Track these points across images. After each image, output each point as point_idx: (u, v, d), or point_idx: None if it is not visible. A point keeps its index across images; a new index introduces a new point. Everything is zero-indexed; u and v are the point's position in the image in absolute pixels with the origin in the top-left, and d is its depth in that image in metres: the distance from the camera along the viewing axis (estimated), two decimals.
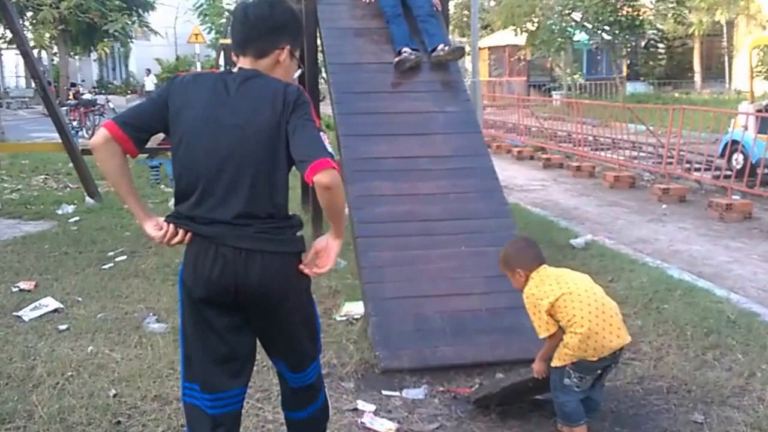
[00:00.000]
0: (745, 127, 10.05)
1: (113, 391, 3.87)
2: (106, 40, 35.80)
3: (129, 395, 3.83)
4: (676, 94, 26.20)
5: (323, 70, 6.56)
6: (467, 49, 11.42)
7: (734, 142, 10.26)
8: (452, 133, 5.43)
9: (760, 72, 22.34)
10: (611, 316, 3.13)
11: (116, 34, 32.25)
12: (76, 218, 8.53)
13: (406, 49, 5.65)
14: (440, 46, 5.70)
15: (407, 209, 4.90)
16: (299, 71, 2.75)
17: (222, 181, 2.41)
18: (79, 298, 5.48)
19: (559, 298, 3.14)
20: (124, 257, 6.64)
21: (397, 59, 5.65)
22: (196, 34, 28.90)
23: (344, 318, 4.85)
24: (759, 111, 10.22)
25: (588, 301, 3.12)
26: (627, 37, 25.24)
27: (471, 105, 5.98)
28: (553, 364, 3.22)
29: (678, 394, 3.83)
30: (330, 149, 2.37)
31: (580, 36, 26.84)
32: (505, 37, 31.60)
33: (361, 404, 3.76)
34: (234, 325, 2.53)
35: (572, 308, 3.11)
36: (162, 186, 10.84)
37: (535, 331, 3.24)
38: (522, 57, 32.77)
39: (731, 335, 4.51)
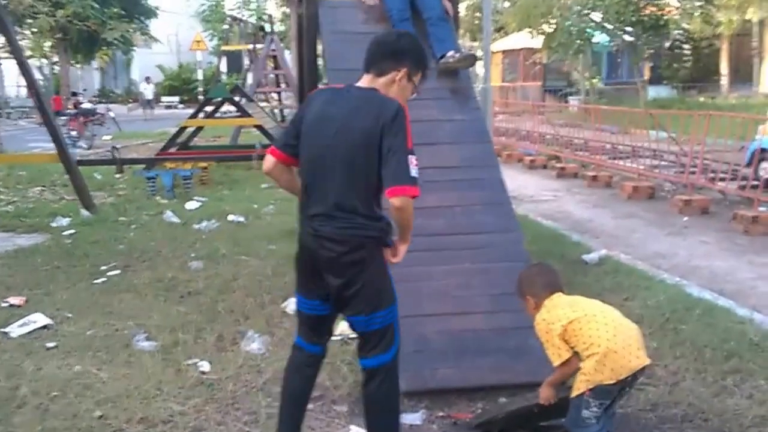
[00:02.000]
0: None
1: (98, 413, 3.86)
2: (105, 48, 36.26)
3: (114, 417, 3.83)
4: (702, 99, 25.96)
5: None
6: (479, 54, 11.32)
7: (762, 151, 10.10)
8: (460, 143, 5.35)
9: None
10: (630, 336, 3.09)
11: (116, 42, 32.61)
12: (71, 231, 8.58)
13: None
14: (450, 53, 5.63)
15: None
16: (415, 95, 3.22)
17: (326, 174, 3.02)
18: (69, 314, 5.49)
19: (573, 321, 3.10)
20: (117, 271, 6.67)
21: None
22: (198, 41, 29.28)
23: (339, 337, 4.74)
24: None
25: (605, 321, 3.09)
26: (650, 38, 25.00)
27: (480, 113, 5.88)
28: (573, 395, 3.14)
29: (693, 422, 3.75)
30: (414, 172, 2.93)
31: (600, 38, 26.65)
32: (520, 39, 31.48)
33: (354, 430, 3.71)
34: None
35: (588, 329, 3.07)
36: (158, 198, 10.94)
37: (549, 359, 3.19)
38: (537, 61, 32.59)
39: (753, 359, 4.40)
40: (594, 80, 29.32)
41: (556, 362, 3.13)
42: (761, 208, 8.96)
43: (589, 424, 3.10)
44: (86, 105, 22.87)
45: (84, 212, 9.52)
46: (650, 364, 4.25)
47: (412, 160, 2.94)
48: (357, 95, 3.09)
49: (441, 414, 3.90)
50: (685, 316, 5.20)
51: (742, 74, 28.97)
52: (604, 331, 3.04)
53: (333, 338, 4.68)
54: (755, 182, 9.58)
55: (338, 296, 3.10)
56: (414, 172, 2.93)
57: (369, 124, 2.96)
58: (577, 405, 3.11)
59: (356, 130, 2.98)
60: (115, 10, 31.58)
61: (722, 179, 10.22)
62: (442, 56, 5.64)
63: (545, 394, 3.25)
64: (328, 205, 3.02)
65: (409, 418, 3.82)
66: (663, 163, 12.59)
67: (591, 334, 3.05)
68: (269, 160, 3.16)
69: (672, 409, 3.88)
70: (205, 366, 4.48)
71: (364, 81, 3.14)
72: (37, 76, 38.02)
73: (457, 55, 5.65)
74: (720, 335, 4.79)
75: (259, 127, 14.27)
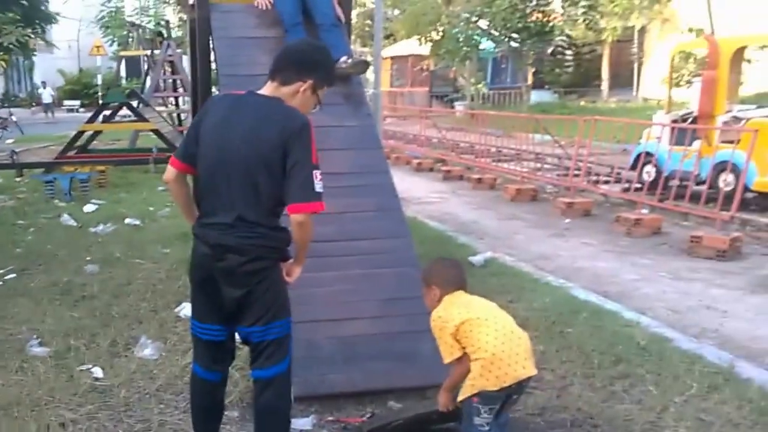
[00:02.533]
0: (659, 138, 10.14)
1: None
2: (1, 53, 35.43)
3: (6, 425, 3.75)
4: (582, 103, 26.90)
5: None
6: (369, 59, 11.31)
7: (647, 154, 10.33)
8: (352, 149, 5.31)
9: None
10: (519, 345, 3.08)
11: (12, 46, 31.89)
12: None
13: None
14: (343, 59, 5.55)
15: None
16: (317, 108, 3.15)
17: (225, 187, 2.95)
18: None
19: (465, 322, 3.08)
20: (14, 275, 6.58)
21: None
22: (98, 47, 30.44)
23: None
24: (675, 121, 10.32)
25: (495, 326, 3.08)
26: (535, 44, 25.68)
27: (372, 119, 5.81)
28: (458, 399, 3.14)
29: (583, 428, 3.72)
30: (318, 188, 2.90)
31: (487, 44, 27.24)
32: (409, 46, 31.90)
33: None
34: None
35: (477, 333, 3.06)
36: (56, 201, 10.89)
37: (441, 357, 3.15)
38: (425, 67, 33.05)
39: (642, 364, 4.43)
40: (479, 85, 29.89)
41: (447, 359, 3.12)
42: (643, 211, 9.21)
43: (482, 427, 3.08)
44: None
45: None
46: (536, 374, 4.33)
47: (317, 174, 2.91)
48: (261, 104, 3.01)
49: (330, 418, 3.85)
50: (572, 319, 5.23)
51: (622, 79, 30.18)
52: (492, 337, 3.03)
53: None
54: (638, 185, 9.83)
55: (236, 308, 3.02)
56: (318, 187, 2.91)
57: (273, 135, 2.89)
58: (468, 412, 3.10)
59: (259, 141, 2.90)
60: (10, 14, 30.87)
61: (605, 182, 10.49)
62: (335, 61, 5.52)
63: (443, 400, 3.23)
64: (228, 214, 2.94)
65: (299, 424, 3.75)
66: (546, 166, 12.90)
67: (480, 338, 3.04)
68: (170, 171, 3.09)
69: (561, 413, 3.86)
70: (98, 372, 4.43)
71: (268, 89, 3.06)
72: None
73: (350, 60, 5.59)
74: (608, 339, 4.83)
75: (156, 132, 14.96)
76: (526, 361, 3.06)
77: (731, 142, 8.93)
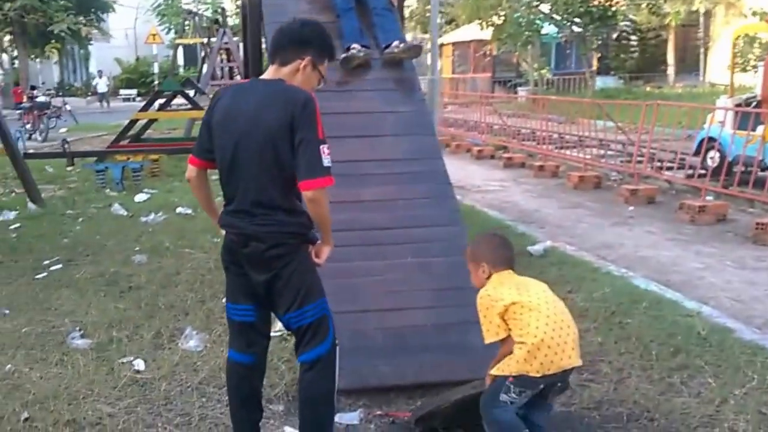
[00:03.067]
0: (723, 123, 9.83)
1: (25, 415, 3.74)
2: (54, 41, 36.35)
3: (41, 419, 3.70)
4: (648, 89, 26.30)
5: None
6: (427, 46, 11.20)
7: (710, 139, 10.04)
8: (403, 135, 5.24)
9: (737, 63, 22.45)
10: (568, 334, 2.99)
11: (64, 34, 32.68)
12: (17, 225, 8.55)
13: (355, 45, 5.45)
14: (395, 43, 5.53)
15: (349, 217, 4.65)
16: (322, 84, 3.15)
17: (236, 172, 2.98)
18: (6, 311, 5.40)
19: (515, 304, 2.99)
20: (60, 266, 6.58)
21: (343, 56, 5.43)
22: (154, 35, 30.34)
23: (278, 334, 4.57)
24: (738, 105, 9.99)
25: (547, 312, 2.99)
26: (598, 29, 25.19)
27: (425, 105, 5.75)
28: (492, 372, 3.07)
29: (639, 422, 3.61)
30: (326, 162, 2.90)
31: (549, 29, 26.81)
32: (470, 32, 31.57)
33: (288, 430, 3.60)
34: None
35: (528, 317, 2.97)
36: (107, 190, 10.94)
37: (482, 336, 3.07)
38: (487, 52, 32.68)
39: (701, 355, 4.29)
40: (543, 71, 29.44)
41: (488, 339, 3.04)
42: (708, 198, 8.94)
43: (503, 407, 3.02)
44: (41, 98, 22.78)
45: (31, 206, 9.48)
46: (592, 360, 4.25)
47: (324, 149, 2.92)
48: (263, 88, 3.04)
49: (379, 413, 3.77)
50: (631, 309, 5.08)
51: (688, 64, 29.46)
52: (543, 323, 2.95)
53: (272, 334, 4.58)
54: (702, 171, 9.55)
55: (266, 294, 3.05)
56: (326, 162, 2.91)
57: (278, 116, 2.90)
58: (495, 387, 3.04)
59: (266, 124, 2.91)
60: (62, 2, 31.61)
61: (669, 168, 10.21)
62: (387, 46, 5.56)
63: (489, 382, 3.12)
64: (246, 202, 2.97)
65: (346, 418, 3.71)
66: (609, 152, 12.57)
67: (529, 323, 2.96)
68: (190, 169, 3.16)
69: (617, 407, 3.76)
70: (139, 364, 4.38)
71: (270, 72, 3.10)
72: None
73: (402, 45, 5.53)
74: (667, 329, 4.68)
75: None
76: (573, 351, 2.99)
77: None
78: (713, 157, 9.77)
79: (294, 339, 3.15)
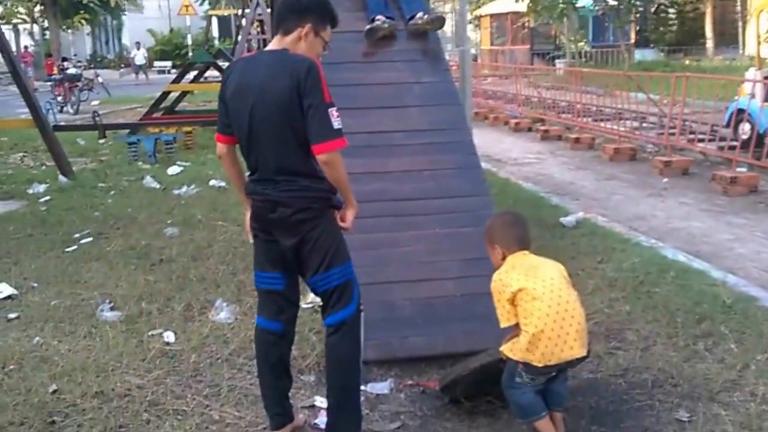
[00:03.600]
0: (752, 95, 9.71)
1: (53, 387, 3.74)
2: (83, 12, 35.98)
3: (69, 392, 3.70)
4: (687, 62, 25.78)
5: None
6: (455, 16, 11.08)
7: (740, 111, 9.91)
8: (429, 106, 5.19)
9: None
10: (570, 325, 2.96)
11: (93, 5, 32.20)
12: (47, 198, 8.52)
13: (379, 17, 5.42)
14: (419, 15, 5.48)
15: (378, 188, 4.68)
16: (326, 51, 3.18)
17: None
18: (35, 284, 5.37)
19: (522, 290, 3.00)
20: (90, 239, 6.57)
21: (368, 27, 5.42)
22: (187, 6, 29.63)
23: (310, 305, 4.64)
24: (766, 78, 9.85)
25: (549, 302, 2.96)
26: (634, 2, 24.67)
27: (450, 75, 5.69)
28: (502, 350, 3.11)
29: (663, 388, 3.62)
30: (336, 125, 2.94)
31: (585, 1, 26.36)
32: (507, 4, 31.13)
33: (319, 401, 3.58)
34: None
35: (531, 306, 2.97)
36: (140, 163, 10.80)
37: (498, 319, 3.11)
38: (525, 24, 32.25)
39: (726, 322, 4.28)
40: (581, 43, 28.98)
41: (503, 324, 3.07)
42: (740, 169, 8.82)
43: (520, 388, 3.06)
44: (72, 70, 22.50)
45: (62, 178, 9.41)
46: (619, 329, 4.26)
47: (333, 112, 2.95)
48: (269, 59, 3.07)
49: (409, 382, 3.78)
50: (659, 278, 5.07)
51: (727, 37, 28.82)
52: (544, 314, 2.93)
53: (304, 306, 4.64)
54: (734, 143, 9.42)
55: (295, 258, 3.09)
56: (336, 124, 2.95)
57: (284, 84, 2.93)
58: (511, 370, 3.07)
59: (275, 93, 2.95)
60: None
61: (702, 140, 10.07)
62: (411, 18, 5.51)
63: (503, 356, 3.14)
64: (269, 170, 3.03)
65: (377, 388, 3.73)
66: (646, 125, 12.40)
67: (532, 312, 2.96)
68: (218, 146, 3.19)
69: (642, 374, 3.77)
70: (169, 336, 4.36)
71: (274, 42, 3.12)
72: (29, 41, 37.90)
73: (426, 17, 5.48)
74: (693, 298, 4.67)
75: None
76: (575, 341, 2.96)
77: None
78: (744, 129, 9.59)
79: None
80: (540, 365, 2.94)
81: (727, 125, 10.08)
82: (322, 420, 3.38)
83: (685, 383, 3.63)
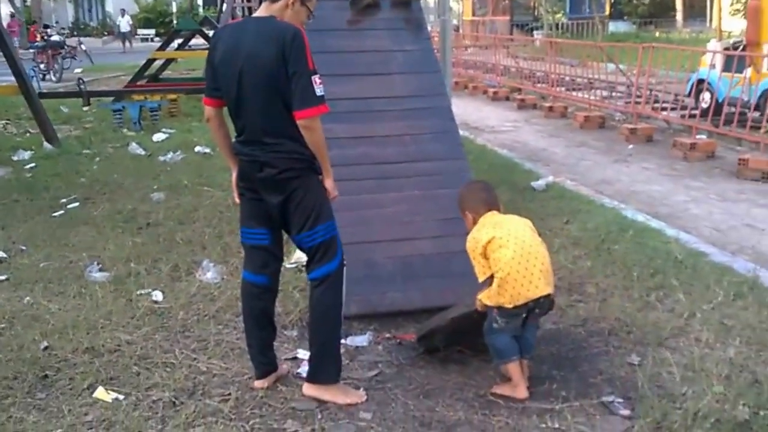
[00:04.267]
0: (713, 66, 9.92)
1: (45, 344, 3.78)
2: None
3: (60, 348, 3.75)
4: (657, 34, 25.85)
5: None
6: None
7: (701, 81, 10.14)
8: (411, 73, 5.27)
9: (738, 11, 22.01)
10: (534, 266, 3.14)
11: None
12: (32, 164, 8.38)
13: None
14: None
15: (361, 152, 4.78)
16: (311, 18, 3.22)
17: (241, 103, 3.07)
18: (24, 247, 5.37)
19: (491, 241, 3.17)
20: (77, 204, 6.52)
21: None
22: None
23: (294, 265, 4.75)
24: (726, 49, 10.07)
25: (515, 248, 3.14)
26: None
27: (430, 43, 5.77)
28: (478, 297, 3.26)
29: (618, 336, 3.82)
30: (319, 92, 2.98)
31: None
32: None
33: (301, 353, 3.68)
34: None
35: (498, 252, 3.14)
36: (125, 130, 10.64)
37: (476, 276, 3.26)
38: None
39: (676, 276, 4.48)
40: (558, 15, 28.96)
41: (481, 278, 3.22)
42: (699, 136, 9.03)
43: (498, 333, 3.24)
44: (55, 38, 21.91)
45: (47, 145, 9.27)
46: (580, 282, 4.42)
47: (316, 80, 2.99)
48: (255, 25, 3.11)
49: (387, 335, 3.90)
50: (619, 237, 5.26)
51: (696, 10, 28.91)
52: (509, 257, 3.11)
53: (288, 266, 4.77)
54: (695, 112, 9.62)
55: (280, 216, 3.16)
56: (319, 91, 2.99)
57: (270, 50, 2.97)
58: (490, 317, 3.25)
59: (261, 59, 2.99)
60: None
61: (665, 109, 10.29)
62: None
63: (479, 305, 3.29)
64: (255, 132, 3.09)
65: (357, 341, 3.84)
66: (615, 94, 12.57)
67: (500, 258, 3.13)
68: (206, 110, 3.22)
69: (600, 323, 3.95)
70: (157, 296, 4.40)
71: (262, 9, 3.15)
72: (9, 8, 36.78)
73: None
74: (648, 254, 4.87)
75: None
76: (539, 281, 3.13)
77: None
78: (705, 99, 9.81)
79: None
80: (510, 306, 3.13)
81: (689, 94, 10.28)
82: (304, 370, 3.46)
83: (638, 331, 3.83)
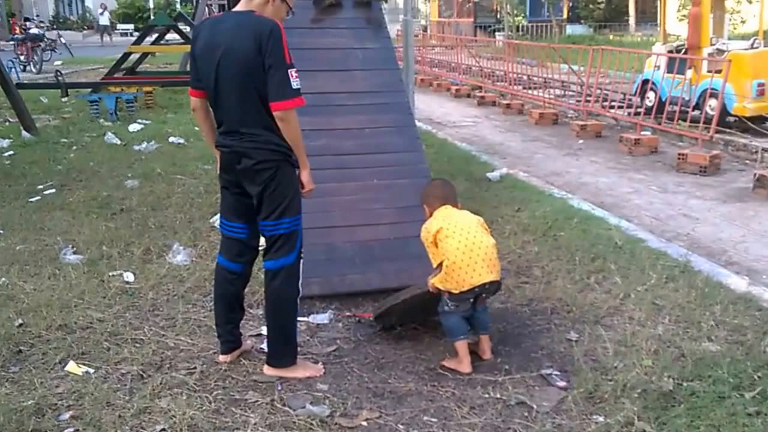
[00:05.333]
0: (657, 67, 10.10)
1: (19, 321, 3.78)
2: None
3: (35, 325, 3.75)
4: (611, 36, 26.14)
5: None
6: None
7: (646, 82, 10.33)
8: (371, 70, 5.32)
9: (685, 17, 22.31)
10: (478, 255, 3.24)
11: None
12: (11, 152, 8.28)
13: None
14: None
15: (323, 143, 4.81)
16: (290, 14, 3.21)
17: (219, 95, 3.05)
18: (1, 231, 5.34)
19: (439, 231, 3.29)
20: (53, 190, 6.48)
21: None
22: None
23: (262, 247, 4.77)
24: (670, 52, 10.27)
25: (460, 238, 3.25)
26: None
27: (390, 42, 5.83)
28: (430, 280, 3.37)
29: (560, 314, 3.92)
30: (295, 85, 2.96)
31: None
32: None
33: (265, 330, 3.66)
34: None
35: (445, 242, 3.27)
36: (101, 120, 10.55)
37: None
38: None
39: (615, 260, 4.59)
40: (519, 18, 29.14)
41: (434, 264, 3.34)
42: (644, 132, 9.21)
43: (449, 314, 3.36)
44: (34, 30, 21.61)
45: (25, 134, 9.18)
46: (528, 266, 4.50)
47: (292, 73, 2.97)
48: (234, 20, 3.07)
49: (347, 314, 3.97)
50: (565, 224, 5.37)
51: (648, 15, 29.26)
52: (455, 247, 3.23)
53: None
54: (640, 109, 9.83)
55: (257, 205, 3.13)
56: (295, 84, 2.97)
57: (248, 44, 2.94)
58: (442, 300, 3.37)
59: (238, 52, 2.96)
60: None
61: (613, 107, 10.49)
62: None
63: (431, 287, 3.37)
64: (233, 123, 3.07)
65: (318, 318, 3.90)
66: (568, 93, 12.75)
67: (447, 248, 3.25)
68: (192, 101, 3.21)
69: (544, 303, 4.06)
70: (129, 276, 4.41)
71: (241, 4, 3.12)
72: None
73: None
74: (591, 240, 4.98)
75: None
76: (482, 269, 3.23)
77: (720, 71, 8.80)
78: (650, 97, 9.99)
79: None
80: (456, 292, 3.25)
81: (635, 94, 10.46)
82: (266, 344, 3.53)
83: (577, 310, 3.94)
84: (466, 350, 3.36)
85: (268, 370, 3.31)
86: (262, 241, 3.22)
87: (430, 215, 3.44)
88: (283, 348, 3.29)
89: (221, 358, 3.41)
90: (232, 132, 3.08)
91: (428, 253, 3.36)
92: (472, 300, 3.31)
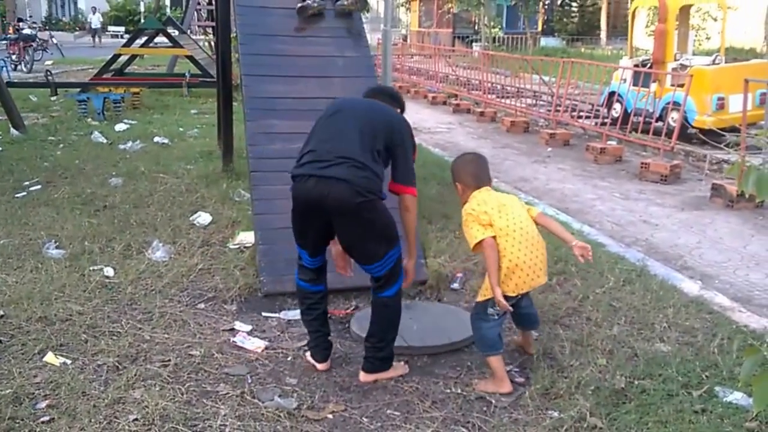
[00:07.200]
0: (623, 80, 10.23)
1: (0, 312, 3.75)
2: None
3: (15, 316, 3.73)
4: (583, 49, 26.39)
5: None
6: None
7: (612, 93, 10.43)
8: (350, 77, 5.33)
9: (653, 32, 22.59)
10: (537, 256, 3.03)
11: None
12: None
13: None
14: None
15: (300, 146, 4.82)
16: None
17: None
18: None
19: (500, 229, 2.99)
20: (39, 187, 6.43)
21: (299, 5, 5.49)
22: None
23: (237, 246, 4.79)
24: (636, 66, 10.40)
25: (520, 238, 2.99)
26: None
27: (368, 51, 5.85)
28: (478, 299, 3.15)
29: None
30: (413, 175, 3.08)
31: None
32: None
33: (238, 325, 3.76)
34: None
35: (504, 242, 2.98)
36: (89, 120, 10.48)
37: (468, 245, 3.09)
38: (449, 9, 32.40)
39: (576, 264, 4.55)
40: (495, 29, 29.31)
41: (478, 237, 2.96)
42: (610, 142, 9.30)
43: (493, 325, 3.12)
44: (27, 31, 21.54)
45: (13, 131, 9.08)
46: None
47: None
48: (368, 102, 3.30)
49: None
50: None
51: (619, 29, 29.56)
52: (517, 249, 2.96)
53: (232, 246, 4.78)
54: (606, 120, 9.95)
55: (349, 244, 3.08)
56: (413, 175, 3.12)
57: (383, 118, 3.11)
58: (483, 305, 3.12)
59: (372, 115, 3.13)
60: None
61: (581, 117, 10.59)
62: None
63: (501, 305, 3.02)
64: (335, 155, 3.00)
65: (290, 315, 3.90)
66: (539, 102, 12.85)
67: (506, 248, 2.97)
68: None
69: None
70: (109, 271, 4.39)
71: None
72: None
73: None
74: (554, 244, 4.80)
75: (190, 58, 13.89)
76: (540, 271, 3.04)
77: (682, 85, 8.93)
78: (616, 109, 10.10)
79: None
80: (513, 294, 3.00)
81: (603, 105, 10.56)
82: (240, 339, 3.58)
83: (538, 311, 3.87)
84: (503, 366, 3.14)
85: (364, 376, 3.22)
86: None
87: (463, 193, 3.14)
88: (391, 352, 3.22)
89: (319, 366, 3.32)
90: (328, 162, 3.04)
91: (471, 231, 2.99)
92: (517, 299, 3.08)
